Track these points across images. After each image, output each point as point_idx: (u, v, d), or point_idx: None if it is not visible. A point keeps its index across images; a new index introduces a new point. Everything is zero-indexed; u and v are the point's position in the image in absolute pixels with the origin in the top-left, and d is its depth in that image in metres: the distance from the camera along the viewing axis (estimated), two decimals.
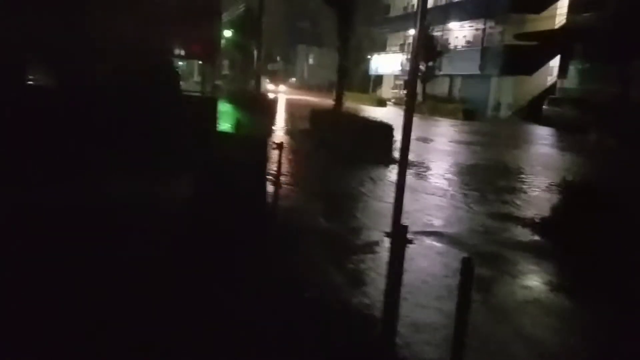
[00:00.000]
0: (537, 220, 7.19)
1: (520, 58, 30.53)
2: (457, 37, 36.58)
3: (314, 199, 7.64)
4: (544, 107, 28.09)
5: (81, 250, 4.41)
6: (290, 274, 4.57)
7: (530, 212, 7.80)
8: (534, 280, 5.22)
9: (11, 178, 5.90)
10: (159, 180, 6.32)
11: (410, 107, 3.65)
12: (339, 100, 15.63)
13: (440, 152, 14.57)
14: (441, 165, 12.21)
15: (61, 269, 4.10)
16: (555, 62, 30.76)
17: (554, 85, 30.47)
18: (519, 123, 28.60)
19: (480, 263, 4.85)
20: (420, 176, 10.39)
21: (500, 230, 6.94)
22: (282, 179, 6.87)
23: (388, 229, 3.46)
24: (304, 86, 53.36)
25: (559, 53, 29.81)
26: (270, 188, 6.03)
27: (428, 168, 11.50)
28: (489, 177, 11.11)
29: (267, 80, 47.69)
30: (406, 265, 3.32)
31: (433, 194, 8.70)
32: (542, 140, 20.86)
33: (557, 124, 25.79)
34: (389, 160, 11.42)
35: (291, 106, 27.87)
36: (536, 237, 6.64)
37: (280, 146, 5.98)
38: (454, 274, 3.99)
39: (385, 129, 12.51)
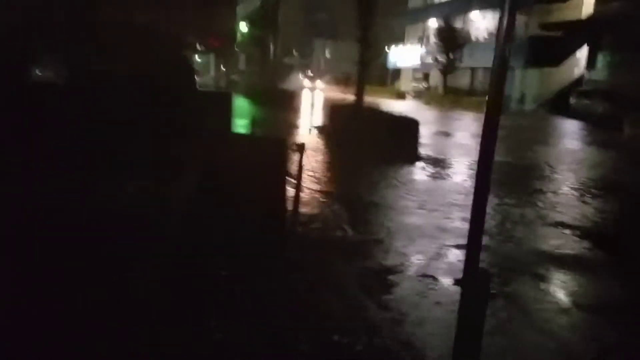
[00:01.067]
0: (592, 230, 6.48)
1: (546, 49, 29.46)
2: (478, 28, 35.49)
3: (338, 207, 6.94)
4: (571, 99, 27.03)
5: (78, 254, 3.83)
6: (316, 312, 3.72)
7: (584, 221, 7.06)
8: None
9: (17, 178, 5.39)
10: (165, 182, 5.74)
11: (494, 109, 2.53)
12: (360, 94, 14.95)
13: (465, 148, 13.83)
14: (465, 162, 11.50)
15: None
16: (582, 53, 29.59)
17: (581, 77, 29.34)
18: (545, 116, 27.57)
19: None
20: (443, 176, 9.70)
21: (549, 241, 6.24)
22: (303, 183, 6.26)
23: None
24: (343, 81, 48.63)
25: (586, 43, 28.67)
26: (290, 193, 5.43)
27: (450, 166, 10.79)
28: (522, 177, 10.36)
29: (303, 76, 46.34)
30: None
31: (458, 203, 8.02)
32: (572, 135, 19.92)
33: (585, 117, 24.73)
34: (415, 158, 10.76)
35: (317, 102, 27.25)
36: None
37: (301, 148, 5.37)
38: None
39: (409, 124, 11.84)
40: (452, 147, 13.52)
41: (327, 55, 57.81)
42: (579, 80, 29.20)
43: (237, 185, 4.64)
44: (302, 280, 4.19)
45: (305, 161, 5.75)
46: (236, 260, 4.21)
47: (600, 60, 27.45)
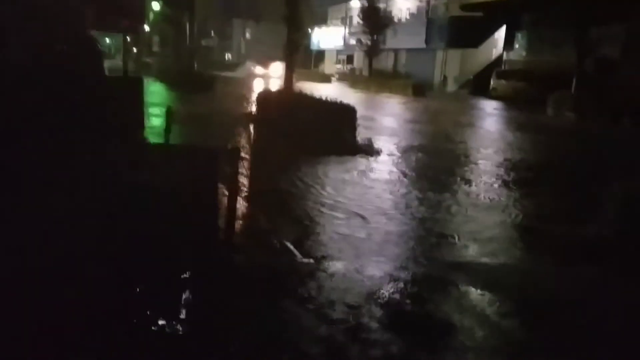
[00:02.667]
0: None
1: (466, 30, 29.69)
2: (400, 9, 35.30)
3: (279, 217, 5.82)
4: (491, 80, 27.44)
5: None
6: None
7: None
8: None
9: None
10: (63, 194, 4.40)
11: None
12: (289, 79, 13.85)
13: (404, 136, 13.19)
14: (392, 149, 10.81)
15: None
16: (501, 34, 30.10)
17: (501, 58, 29.89)
18: (466, 97, 27.80)
19: None
20: (391, 172, 8.90)
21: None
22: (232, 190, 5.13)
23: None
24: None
25: (505, 23, 29.15)
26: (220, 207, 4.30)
27: (397, 157, 10.04)
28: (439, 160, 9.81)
29: (252, 61, 41.08)
30: None
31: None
32: (490, 116, 20.03)
33: (506, 97, 25.16)
34: (354, 149, 9.87)
35: (242, 88, 25.67)
36: None
37: (234, 155, 4.24)
38: None
39: (345, 112, 10.93)
40: (395, 135, 12.83)
41: (248, 36, 55.79)
42: (499, 61, 29.73)
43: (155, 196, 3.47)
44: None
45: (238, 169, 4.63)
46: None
47: (519, 40, 28.02)
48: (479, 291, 4.02)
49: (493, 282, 4.21)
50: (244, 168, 7.59)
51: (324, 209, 5.98)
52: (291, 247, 4.64)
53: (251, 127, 12.13)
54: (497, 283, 4.22)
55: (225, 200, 4.24)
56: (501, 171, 9.06)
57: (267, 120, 11.85)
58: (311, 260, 4.37)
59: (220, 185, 4.31)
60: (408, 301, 3.79)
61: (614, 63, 21.08)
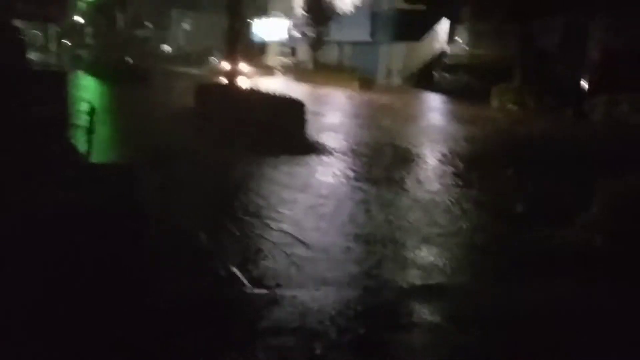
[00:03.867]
0: None
1: (409, 23, 29.61)
2: (344, 1, 34.81)
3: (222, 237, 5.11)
4: (435, 73, 27.52)
5: None
6: None
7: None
8: None
9: None
10: None
11: None
12: (233, 72, 13.08)
13: (356, 132, 12.73)
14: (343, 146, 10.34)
15: None
16: (443, 27, 30.24)
17: (443, 51, 30.03)
18: (412, 91, 27.78)
19: None
20: (351, 175, 8.38)
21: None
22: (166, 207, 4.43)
23: None
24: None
25: (447, 17, 29.30)
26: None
27: (354, 157, 9.54)
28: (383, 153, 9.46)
29: (218, 57, 33.28)
30: None
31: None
32: (433, 109, 20.00)
33: (449, 90, 25.24)
34: (306, 148, 9.30)
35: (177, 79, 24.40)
36: None
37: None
38: None
39: (294, 107, 10.33)
40: (345, 131, 12.32)
41: (187, 27, 53.75)
42: (442, 54, 29.86)
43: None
44: None
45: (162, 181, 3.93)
46: None
47: (461, 33, 28.23)
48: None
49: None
50: (174, 173, 6.85)
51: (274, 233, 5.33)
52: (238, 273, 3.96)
53: (188, 124, 11.28)
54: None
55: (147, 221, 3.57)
56: (454, 169, 8.72)
57: (208, 116, 11.06)
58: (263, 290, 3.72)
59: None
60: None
61: (553, 55, 21.54)
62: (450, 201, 6.57)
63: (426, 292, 3.93)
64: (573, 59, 19.28)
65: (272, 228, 5.13)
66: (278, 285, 3.79)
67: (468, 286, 4.16)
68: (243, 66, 30.96)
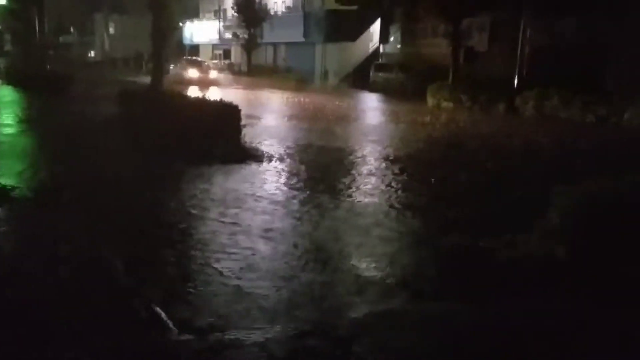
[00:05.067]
0: None
1: (343, 23, 29.57)
2: (276, 2, 34.36)
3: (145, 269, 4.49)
4: (370, 73, 27.58)
5: None
6: None
7: None
8: None
9: None
10: None
11: None
12: (158, 76, 12.29)
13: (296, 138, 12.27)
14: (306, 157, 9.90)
15: None
16: (377, 27, 30.38)
17: (377, 51, 30.16)
18: (349, 91, 27.67)
19: None
20: (292, 185, 7.90)
21: None
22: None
23: None
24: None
25: (380, 17, 29.43)
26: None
27: (294, 164, 9.06)
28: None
29: (186, 63, 30.22)
30: None
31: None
32: (379, 110, 19.93)
33: (385, 90, 25.31)
34: (241, 155, 8.72)
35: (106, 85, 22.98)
36: None
37: None
38: None
39: (227, 111, 9.69)
40: (282, 135, 11.83)
41: (112, 32, 51.44)
42: (377, 54, 29.98)
43: None
44: None
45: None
46: None
47: (394, 32, 28.41)
48: None
49: None
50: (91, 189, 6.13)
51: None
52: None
53: (109, 135, 10.41)
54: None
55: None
56: (393, 172, 8.41)
57: (133, 125, 10.24)
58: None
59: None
60: None
61: (484, 53, 22.01)
62: (391, 207, 6.24)
63: (373, 320, 3.51)
64: (503, 56, 19.72)
65: (203, 253, 4.56)
66: (212, 328, 3.22)
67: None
68: (174, 70, 29.91)
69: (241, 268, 4.21)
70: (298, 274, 4.19)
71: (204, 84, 25.53)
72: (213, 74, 28.16)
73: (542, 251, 4.76)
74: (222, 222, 5.37)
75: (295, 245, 4.81)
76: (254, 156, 8.88)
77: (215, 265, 4.25)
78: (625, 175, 5.15)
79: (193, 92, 12.14)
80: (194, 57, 34.89)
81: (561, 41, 18.43)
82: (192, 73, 27.57)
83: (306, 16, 31.81)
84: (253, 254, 4.53)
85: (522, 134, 13.02)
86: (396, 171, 8.29)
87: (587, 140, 12.23)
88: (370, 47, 31.35)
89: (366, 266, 4.44)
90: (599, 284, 4.09)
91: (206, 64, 30.23)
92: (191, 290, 3.79)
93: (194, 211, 5.69)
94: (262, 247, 4.74)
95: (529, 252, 4.84)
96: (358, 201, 6.48)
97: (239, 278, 4.01)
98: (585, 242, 4.54)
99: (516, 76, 18.13)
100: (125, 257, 4.26)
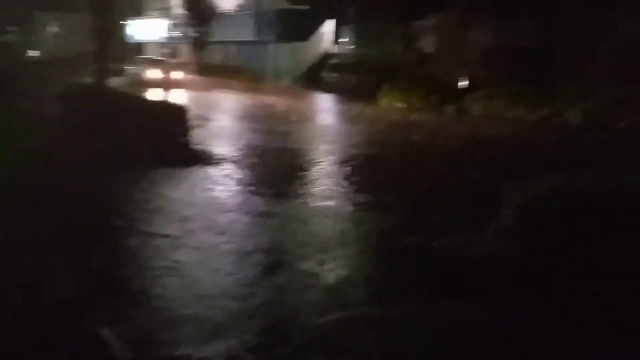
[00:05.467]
0: None
1: (295, 23, 29.38)
2: (226, 0, 33.73)
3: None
4: (323, 73, 27.53)
5: None
6: None
7: None
8: None
9: None
10: None
11: None
12: (101, 74, 11.77)
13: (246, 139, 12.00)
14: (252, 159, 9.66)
15: None
16: (329, 27, 30.35)
17: (330, 51, 30.14)
18: (302, 91, 27.52)
19: None
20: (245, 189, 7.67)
21: None
22: None
23: None
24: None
25: (332, 17, 29.43)
26: None
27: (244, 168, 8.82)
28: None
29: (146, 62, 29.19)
30: None
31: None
32: (331, 111, 19.91)
33: (338, 90, 25.29)
34: (190, 158, 8.41)
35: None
36: None
37: None
38: None
39: (175, 113, 9.36)
40: (234, 136, 11.56)
41: (56, 29, 49.27)
42: (330, 54, 29.96)
43: None
44: None
45: None
46: None
47: (346, 33, 28.46)
48: None
49: None
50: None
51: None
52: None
53: (49, 137, 9.81)
54: None
55: None
56: (348, 173, 8.33)
57: (75, 126, 9.71)
58: None
59: None
60: None
61: (433, 54, 22.34)
62: (345, 210, 6.14)
63: (331, 327, 3.36)
64: (452, 57, 20.09)
65: (151, 269, 4.28)
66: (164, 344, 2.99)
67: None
68: (121, 69, 28.92)
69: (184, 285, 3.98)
70: (251, 285, 4.00)
71: (167, 86, 24.36)
72: (177, 75, 26.78)
73: (496, 250, 4.76)
74: (159, 234, 5.05)
75: (246, 252, 4.62)
76: (203, 159, 8.58)
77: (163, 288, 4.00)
78: (574, 172, 5.23)
79: (141, 91, 11.68)
80: (155, 57, 33.71)
81: (508, 42, 18.93)
82: (154, 74, 26.26)
83: (257, 15, 31.41)
84: (194, 268, 4.30)
85: (469, 134, 13.22)
86: (350, 172, 8.21)
87: (530, 139, 12.55)
88: (322, 47, 31.29)
89: (321, 271, 4.30)
90: (551, 284, 4.09)
91: (169, 63, 28.81)
92: (138, 311, 3.54)
93: (121, 223, 5.34)
94: (205, 256, 4.51)
95: (482, 251, 4.83)
96: (312, 205, 6.34)
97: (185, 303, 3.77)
98: (537, 241, 4.55)
99: (465, 77, 18.51)
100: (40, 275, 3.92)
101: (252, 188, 7.04)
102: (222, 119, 14.84)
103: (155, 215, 5.65)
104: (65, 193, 6.26)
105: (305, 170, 8.45)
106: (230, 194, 6.69)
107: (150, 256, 4.55)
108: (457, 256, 4.74)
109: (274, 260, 4.45)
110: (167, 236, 5.01)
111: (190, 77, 26.02)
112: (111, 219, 5.46)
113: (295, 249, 4.81)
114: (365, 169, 8.53)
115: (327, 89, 26.37)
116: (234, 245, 4.87)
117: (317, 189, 7.19)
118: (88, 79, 19.01)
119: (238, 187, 7.08)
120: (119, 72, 28.35)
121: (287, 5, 29.30)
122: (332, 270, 4.32)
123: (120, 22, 35.47)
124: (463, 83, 18.64)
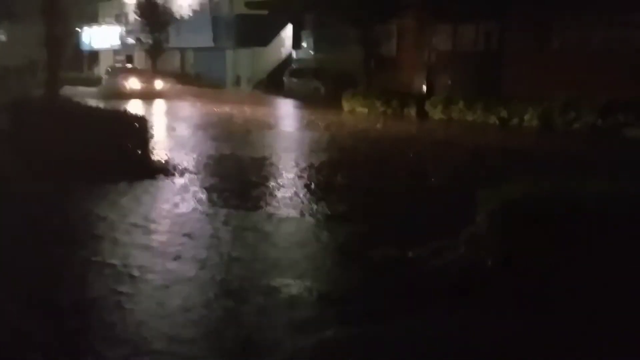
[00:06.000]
0: None
1: (253, 28, 29.10)
2: (181, 6, 33.08)
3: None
4: (284, 79, 27.39)
5: None
6: None
7: None
8: None
9: None
10: None
11: None
12: (52, 84, 11.26)
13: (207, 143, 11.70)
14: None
15: None
16: (288, 32, 30.22)
17: (290, 56, 30.02)
18: (262, 97, 27.25)
19: None
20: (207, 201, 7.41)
21: None
22: None
23: None
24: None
25: (291, 22, 29.31)
26: None
27: (202, 179, 8.55)
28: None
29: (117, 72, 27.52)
30: None
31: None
32: (293, 117, 19.75)
33: (300, 95, 25.18)
34: (150, 169, 8.08)
35: None
36: None
37: None
38: None
39: (134, 122, 8.99)
40: (195, 146, 11.23)
41: (4, 38, 47.25)
42: (290, 59, 29.82)
43: None
44: None
45: None
46: None
47: (306, 38, 28.39)
48: None
49: None
50: None
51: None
52: None
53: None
54: None
55: None
56: (314, 180, 8.18)
57: (24, 140, 9.23)
58: None
59: None
60: None
61: (392, 59, 22.49)
62: (312, 220, 5.99)
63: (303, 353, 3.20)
64: (411, 61, 20.28)
65: (106, 303, 3.99)
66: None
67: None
68: (74, 79, 27.94)
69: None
70: (213, 304, 3.79)
71: (148, 97, 23.10)
72: (158, 85, 25.42)
73: (470, 258, 4.70)
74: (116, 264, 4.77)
75: (207, 268, 4.41)
76: (165, 170, 8.27)
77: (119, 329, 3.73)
78: (540, 177, 5.25)
79: (94, 101, 11.20)
80: (133, 65, 32.48)
81: (464, 47, 19.26)
82: (132, 84, 24.99)
83: (215, 21, 30.97)
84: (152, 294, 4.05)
85: (432, 138, 13.32)
86: (315, 180, 8.07)
87: (493, 142, 12.73)
88: (283, 52, 31.11)
89: (291, 287, 4.13)
90: (525, 291, 4.06)
91: (148, 72, 27.50)
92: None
93: (86, 238, 5.07)
94: (165, 277, 4.27)
95: (456, 259, 4.77)
96: (276, 215, 6.15)
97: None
98: (510, 247, 4.52)
99: (424, 82, 18.73)
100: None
101: (211, 198, 6.80)
102: (182, 128, 14.44)
103: (104, 231, 5.34)
104: (11, 217, 5.86)
105: (268, 178, 8.25)
106: (188, 206, 6.42)
107: (108, 285, 4.27)
108: (428, 265, 4.68)
109: (233, 278, 4.26)
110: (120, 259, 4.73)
111: (149, 85, 25.15)
112: (63, 243, 5.13)
113: (259, 264, 4.62)
114: (332, 177, 8.39)
115: (288, 94, 26.19)
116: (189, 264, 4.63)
117: (279, 198, 7.00)
118: (39, 90, 18.25)
119: (196, 197, 6.82)
120: (75, 81, 27.43)
121: (245, 11, 28.98)
122: (298, 287, 4.15)
123: (72, 29, 34.30)
124: (423, 87, 18.81)
